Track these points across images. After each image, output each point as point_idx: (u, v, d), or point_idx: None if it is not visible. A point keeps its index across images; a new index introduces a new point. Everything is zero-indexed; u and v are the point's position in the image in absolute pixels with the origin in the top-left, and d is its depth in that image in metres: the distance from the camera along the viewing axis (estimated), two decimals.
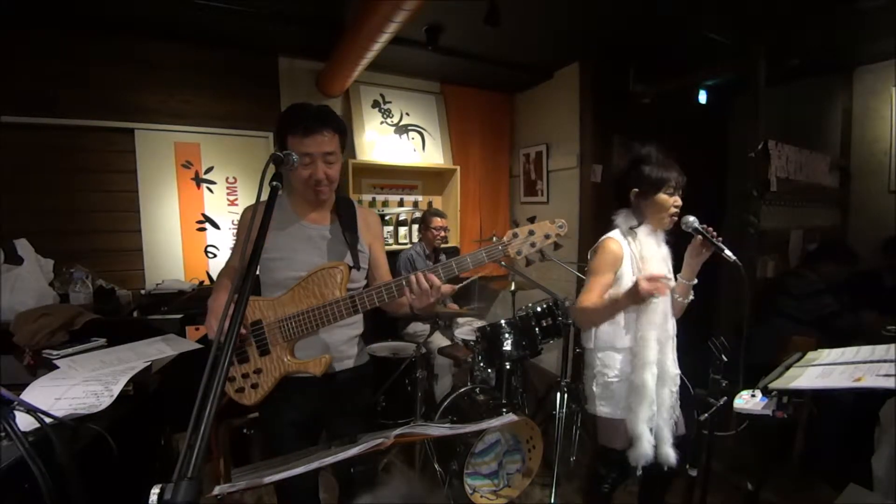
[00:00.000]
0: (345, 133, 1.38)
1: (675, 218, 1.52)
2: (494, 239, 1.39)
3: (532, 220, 1.21)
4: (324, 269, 1.32)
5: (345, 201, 1.49)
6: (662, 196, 1.50)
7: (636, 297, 1.31)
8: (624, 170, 1.59)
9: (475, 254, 1.20)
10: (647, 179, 1.50)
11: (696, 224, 1.44)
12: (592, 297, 1.47)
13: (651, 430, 1.48)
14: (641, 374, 1.47)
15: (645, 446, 1.46)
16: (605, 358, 1.56)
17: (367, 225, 1.50)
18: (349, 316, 1.28)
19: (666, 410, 1.51)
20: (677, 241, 1.59)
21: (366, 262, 1.47)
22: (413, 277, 1.18)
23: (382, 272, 1.54)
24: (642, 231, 1.54)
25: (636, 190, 1.53)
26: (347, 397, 1.44)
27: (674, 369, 1.55)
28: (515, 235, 1.20)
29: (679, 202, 1.52)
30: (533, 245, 1.20)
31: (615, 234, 1.56)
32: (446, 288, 2.16)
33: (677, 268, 1.59)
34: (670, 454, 1.49)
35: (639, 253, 1.52)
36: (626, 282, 1.48)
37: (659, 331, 1.49)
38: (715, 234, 1.42)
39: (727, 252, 1.37)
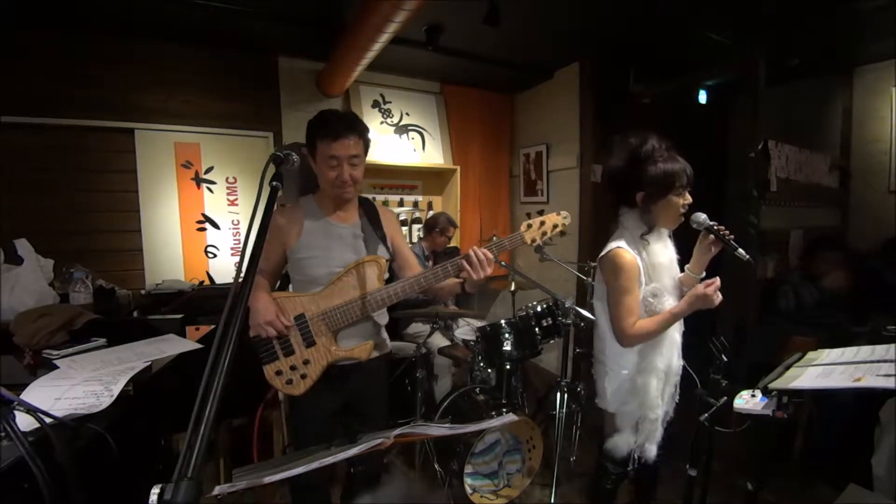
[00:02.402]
0: (368, 137, 1.50)
1: (683, 217, 1.46)
2: (495, 238, 1.45)
3: (541, 212, 1.34)
4: (364, 262, 1.47)
5: (366, 201, 1.62)
6: (673, 197, 1.41)
7: (705, 303, 1.35)
8: (625, 170, 1.46)
9: (502, 240, 1.38)
10: (654, 181, 1.40)
11: (708, 222, 1.41)
12: (635, 317, 1.43)
13: (639, 429, 1.50)
14: (646, 376, 1.46)
15: (624, 444, 1.51)
16: (615, 355, 1.56)
17: (388, 221, 1.62)
18: (391, 304, 1.43)
19: (664, 408, 1.52)
20: (685, 236, 1.55)
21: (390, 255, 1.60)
22: (472, 253, 1.31)
23: (412, 262, 1.63)
24: (652, 237, 1.47)
25: (642, 193, 1.43)
26: (377, 382, 1.59)
27: (677, 362, 1.54)
28: (530, 226, 1.41)
29: (689, 199, 1.44)
30: (544, 234, 1.40)
31: (625, 245, 1.46)
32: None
33: (684, 261, 1.57)
34: (652, 451, 1.51)
35: (649, 261, 1.46)
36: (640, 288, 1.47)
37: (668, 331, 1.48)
38: (727, 231, 1.39)
39: (740, 251, 1.34)
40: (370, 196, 3.74)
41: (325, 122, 1.42)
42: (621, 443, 1.52)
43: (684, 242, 1.57)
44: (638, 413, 1.49)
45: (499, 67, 3.53)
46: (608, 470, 1.62)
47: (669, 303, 1.45)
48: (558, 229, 1.42)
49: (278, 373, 1.41)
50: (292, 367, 1.41)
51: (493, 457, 2.04)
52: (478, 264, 1.31)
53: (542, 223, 1.41)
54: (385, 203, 3.81)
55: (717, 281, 1.36)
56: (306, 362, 1.42)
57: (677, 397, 1.58)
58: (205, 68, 3.06)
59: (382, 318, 1.61)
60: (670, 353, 1.51)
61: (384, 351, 1.63)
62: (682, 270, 1.57)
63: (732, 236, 1.39)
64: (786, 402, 1.07)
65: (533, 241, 1.41)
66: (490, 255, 1.32)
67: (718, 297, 1.35)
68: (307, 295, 1.45)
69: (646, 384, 1.47)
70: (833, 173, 3.58)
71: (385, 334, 1.64)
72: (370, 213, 1.58)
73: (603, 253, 1.50)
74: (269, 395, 1.59)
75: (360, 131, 1.45)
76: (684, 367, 1.59)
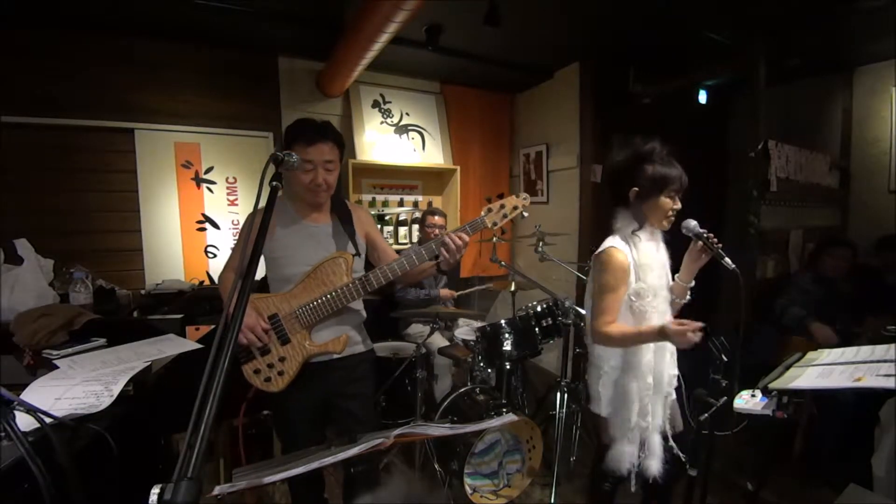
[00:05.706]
0: (343, 146, 1.56)
1: (673, 220, 1.48)
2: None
3: (501, 196, 1.44)
4: (330, 259, 1.50)
5: (338, 202, 1.66)
6: (664, 199, 1.44)
7: (667, 339, 1.33)
8: (624, 166, 1.50)
9: (465, 226, 1.44)
10: (650, 179, 1.43)
11: (698, 229, 1.42)
12: (611, 316, 1.44)
13: (639, 439, 1.47)
14: (626, 379, 1.47)
15: (621, 457, 1.47)
16: (605, 356, 1.55)
17: (359, 218, 1.68)
18: (359, 297, 1.47)
19: (659, 418, 1.50)
20: (674, 242, 1.56)
21: (363, 250, 1.64)
22: (448, 239, 1.38)
23: (389, 254, 1.68)
24: (643, 235, 1.49)
25: (636, 189, 1.46)
26: (357, 379, 1.60)
27: (671, 370, 1.53)
28: (489, 210, 1.44)
29: (679, 205, 1.47)
30: (505, 216, 1.45)
31: (618, 243, 1.48)
32: (446, 293, 2.43)
33: (675, 268, 1.57)
34: (653, 467, 1.47)
35: (638, 260, 1.47)
36: (626, 289, 1.47)
37: None
38: (715, 240, 1.40)
39: (726, 260, 1.35)
40: (370, 196, 3.77)
41: (301, 128, 1.48)
42: (618, 455, 1.48)
43: (681, 252, 1.57)
44: (631, 420, 1.46)
45: (499, 67, 3.53)
46: (605, 472, 1.61)
47: (652, 304, 1.46)
48: (518, 211, 1.46)
49: (256, 371, 1.46)
50: (269, 366, 1.46)
51: (493, 457, 2.04)
52: (455, 250, 1.39)
53: (502, 206, 1.45)
54: (385, 203, 3.81)
55: (697, 325, 1.27)
56: (283, 359, 1.46)
57: (689, 410, 1.55)
58: (205, 68, 3.06)
59: (360, 315, 1.64)
60: (661, 358, 1.49)
61: (364, 348, 1.65)
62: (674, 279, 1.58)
63: (721, 245, 1.39)
64: (786, 402, 1.07)
65: (494, 224, 1.45)
66: (467, 238, 1.40)
67: (692, 340, 1.26)
68: (279, 294, 1.50)
69: (625, 385, 1.46)
70: (833, 173, 3.58)
71: (364, 331, 1.66)
72: (341, 212, 1.64)
73: (597, 251, 1.52)
74: (251, 394, 1.61)
75: (336, 139, 1.51)
76: (682, 377, 1.57)
